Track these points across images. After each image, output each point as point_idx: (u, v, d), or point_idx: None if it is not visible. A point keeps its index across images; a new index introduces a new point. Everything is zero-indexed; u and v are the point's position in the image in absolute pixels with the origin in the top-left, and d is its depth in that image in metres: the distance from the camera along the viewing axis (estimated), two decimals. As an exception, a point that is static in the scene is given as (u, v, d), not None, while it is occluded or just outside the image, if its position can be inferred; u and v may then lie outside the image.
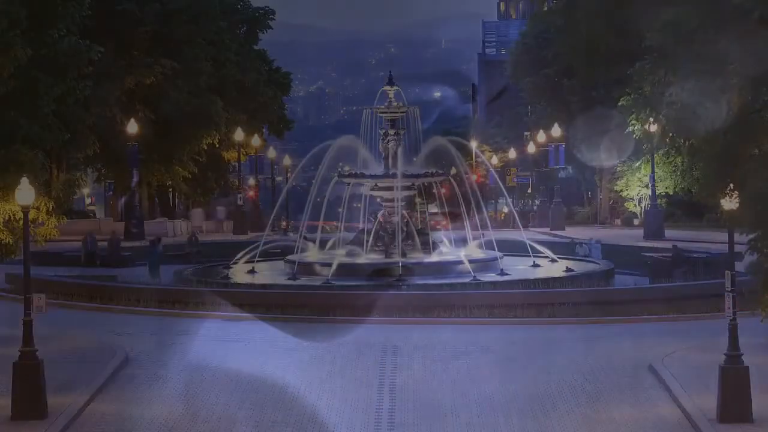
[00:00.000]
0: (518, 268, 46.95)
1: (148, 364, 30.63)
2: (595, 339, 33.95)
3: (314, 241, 48.57)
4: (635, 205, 76.73)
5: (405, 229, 47.23)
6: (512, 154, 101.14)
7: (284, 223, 70.04)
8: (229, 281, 45.22)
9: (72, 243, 55.21)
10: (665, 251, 50.15)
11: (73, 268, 49.56)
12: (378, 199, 48.46)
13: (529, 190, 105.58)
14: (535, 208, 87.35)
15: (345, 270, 44.36)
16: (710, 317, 34.61)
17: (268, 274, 47.12)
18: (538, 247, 49.18)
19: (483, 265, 45.81)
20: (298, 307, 38.59)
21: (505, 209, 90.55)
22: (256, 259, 48.69)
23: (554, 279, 44.12)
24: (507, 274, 45.04)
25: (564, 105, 77.59)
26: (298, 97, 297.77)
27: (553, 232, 68.37)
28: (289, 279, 44.79)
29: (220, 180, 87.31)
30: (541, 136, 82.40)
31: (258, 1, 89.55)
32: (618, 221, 78.63)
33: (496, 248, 47.37)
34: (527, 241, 49.00)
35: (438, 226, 53.45)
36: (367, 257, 46.54)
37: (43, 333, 27.37)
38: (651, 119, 60.18)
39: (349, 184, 48.57)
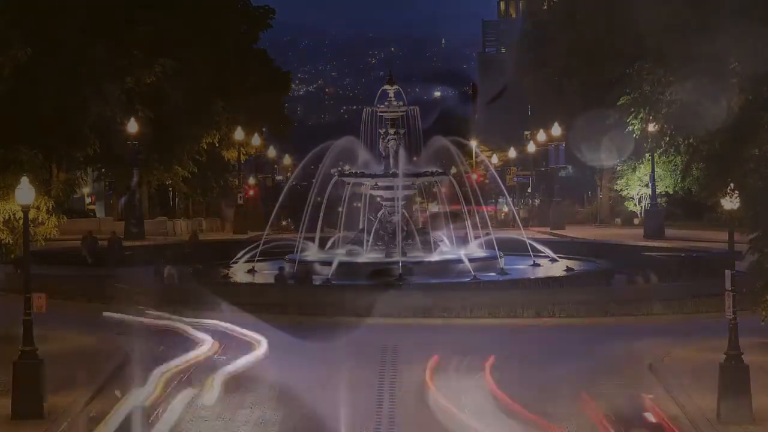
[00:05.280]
0: (518, 267, 46.95)
1: (148, 363, 30.58)
2: (595, 339, 33.94)
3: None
4: (635, 205, 76.69)
5: (405, 228, 47.20)
6: (512, 153, 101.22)
7: (285, 223, 69.97)
8: (228, 281, 45.19)
9: (72, 243, 55.13)
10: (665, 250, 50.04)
11: (78, 267, 49.50)
12: (378, 199, 48.41)
13: (529, 190, 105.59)
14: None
15: (345, 269, 44.33)
16: (710, 317, 34.58)
17: (268, 273, 47.10)
18: (539, 247, 49.18)
19: (483, 264, 45.78)
20: (298, 306, 38.53)
21: (505, 208, 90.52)
22: (256, 258, 48.66)
23: (554, 278, 44.10)
24: (507, 274, 45.06)
25: (564, 105, 77.48)
26: (298, 97, 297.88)
27: (553, 231, 68.39)
28: (289, 278, 44.75)
29: (219, 180, 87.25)
30: (541, 136, 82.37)
31: (258, 0, 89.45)
32: (618, 220, 78.57)
33: (496, 247, 47.35)
34: (527, 241, 48.99)
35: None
36: (367, 256, 46.51)
37: (43, 333, 27.34)
38: (650, 118, 60.13)
39: (349, 183, 48.52)
